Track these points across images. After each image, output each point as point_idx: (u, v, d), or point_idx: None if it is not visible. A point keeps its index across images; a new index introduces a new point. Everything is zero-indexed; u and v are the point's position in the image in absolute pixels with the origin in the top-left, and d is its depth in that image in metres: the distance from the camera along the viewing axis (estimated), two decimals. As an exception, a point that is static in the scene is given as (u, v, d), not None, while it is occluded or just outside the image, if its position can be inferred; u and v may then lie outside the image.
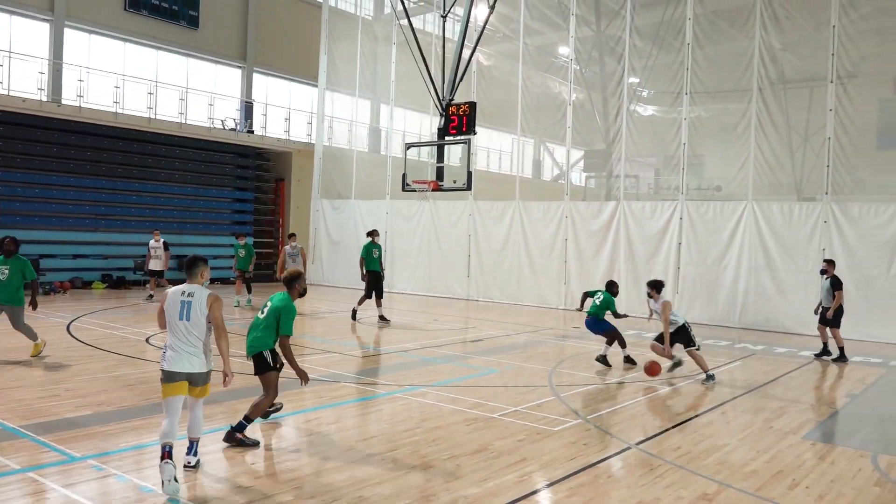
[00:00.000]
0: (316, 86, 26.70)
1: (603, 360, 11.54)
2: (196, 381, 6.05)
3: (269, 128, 26.65)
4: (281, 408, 7.97)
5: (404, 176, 15.89)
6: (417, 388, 9.50)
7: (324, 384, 9.50)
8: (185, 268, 6.19)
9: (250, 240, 18.84)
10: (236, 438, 6.73)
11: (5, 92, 19.89)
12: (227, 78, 26.37)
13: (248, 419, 6.82)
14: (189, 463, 6.09)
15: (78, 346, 11.77)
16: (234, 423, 6.91)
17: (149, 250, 18.82)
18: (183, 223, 24.40)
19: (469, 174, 15.04)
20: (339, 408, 8.42)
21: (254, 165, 26.81)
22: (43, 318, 14.78)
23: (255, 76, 27.08)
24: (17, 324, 10.43)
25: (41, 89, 20.72)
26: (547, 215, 20.59)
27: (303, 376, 7.05)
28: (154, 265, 18.79)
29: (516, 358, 12.15)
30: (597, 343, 14.40)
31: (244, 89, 26.63)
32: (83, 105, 21.22)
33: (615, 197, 19.64)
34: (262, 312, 7.11)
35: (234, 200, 26.45)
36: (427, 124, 23.59)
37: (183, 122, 23.53)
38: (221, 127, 24.98)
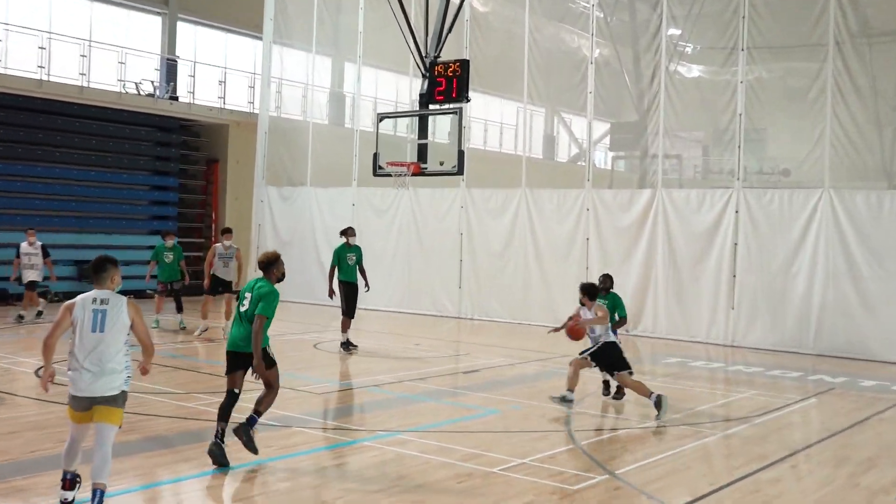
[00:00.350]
0: (260, 38, 26.61)
1: (609, 389, 11.76)
2: (105, 404, 6.38)
3: (199, 93, 26.53)
4: (228, 467, 7.83)
5: (376, 156, 15.81)
6: (394, 435, 9.45)
7: (270, 429, 9.42)
8: (92, 271, 6.56)
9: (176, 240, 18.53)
10: (248, 433, 7.97)
11: None
12: (143, 27, 26.23)
13: (259, 413, 8.16)
14: None
15: (-56, 380, 11.62)
16: (245, 419, 8.04)
17: (19, 255, 18.25)
18: (84, 218, 24.24)
19: (460, 154, 14.96)
20: (290, 461, 8.35)
21: (178, 142, 26.69)
22: None
23: (181, 25, 26.96)
24: None
25: None
26: (563, 207, 20.60)
27: (261, 371, 8.06)
28: (30, 276, 18.19)
29: (523, 394, 12.11)
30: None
31: (165, 43, 26.50)
32: (-48, 63, 21.06)
33: (651, 183, 19.67)
34: (244, 305, 8.17)
35: (152, 188, 26.31)
36: (405, 89, 23.52)
37: (84, 84, 23.38)
38: (136, 92, 24.82)
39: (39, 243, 18.42)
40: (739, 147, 18.42)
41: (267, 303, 7.99)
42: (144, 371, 6.73)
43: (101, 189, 24.71)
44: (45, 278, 18.62)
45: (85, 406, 6.37)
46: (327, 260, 24.01)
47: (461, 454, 8.64)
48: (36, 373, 12.16)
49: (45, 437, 8.65)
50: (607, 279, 12.10)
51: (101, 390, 6.33)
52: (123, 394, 6.44)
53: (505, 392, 12.24)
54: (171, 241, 17.80)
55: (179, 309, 17.85)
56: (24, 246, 18.25)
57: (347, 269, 15.78)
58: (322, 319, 19.38)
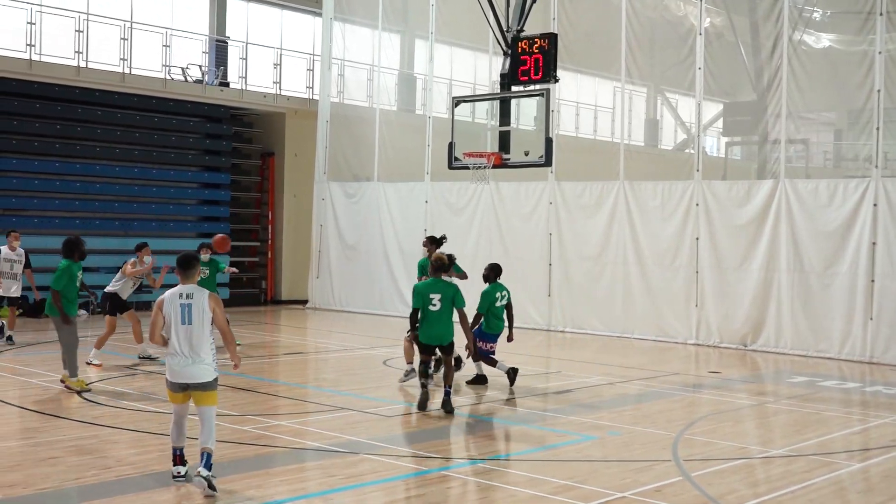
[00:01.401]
0: (319, 14, 26.98)
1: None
2: (200, 389, 8.19)
3: (252, 78, 27.03)
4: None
5: (451, 146, 15.90)
6: (476, 463, 9.50)
7: (335, 456, 9.57)
8: (180, 267, 8.31)
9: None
10: (450, 405, 11.73)
11: None
12: (189, 6, 26.82)
13: (450, 386, 11.90)
14: (200, 474, 7.99)
15: (-21, 400, 12.08)
16: (444, 396, 11.73)
17: None
18: (127, 220, 24.88)
19: (548, 142, 14.98)
20: (357, 492, 8.48)
21: (229, 134, 27.23)
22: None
23: (231, 2, 27.50)
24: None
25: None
26: (668, 202, 20.42)
27: (474, 355, 13.27)
28: (8, 287, 17.69)
29: (624, 418, 12.07)
30: (746, 395, 14.23)
31: (214, 23, 27.05)
32: (-16, 50, 21.84)
33: (772, 173, 19.36)
34: (434, 305, 11.64)
35: (201, 186, 26.88)
36: (484, 69, 23.59)
37: (126, 71, 24.02)
38: (182, 78, 25.41)
39: (21, 249, 17.96)
40: (878, 129, 18.01)
41: (461, 296, 11.80)
42: (236, 366, 8.62)
43: (146, 188, 25.35)
44: (26, 289, 18.48)
45: (180, 388, 8.18)
46: (397, 265, 24.50)
47: (552, 486, 8.64)
48: (80, 394, 12.53)
49: (90, 465, 8.95)
50: (493, 268, 14.25)
51: (194, 377, 8.11)
52: (215, 379, 8.24)
53: (602, 415, 12.18)
54: (206, 256, 17.27)
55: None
56: (4, 251, 17.72)
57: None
58: (392, 333, 19.54)
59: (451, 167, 16.20)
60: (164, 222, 25.57)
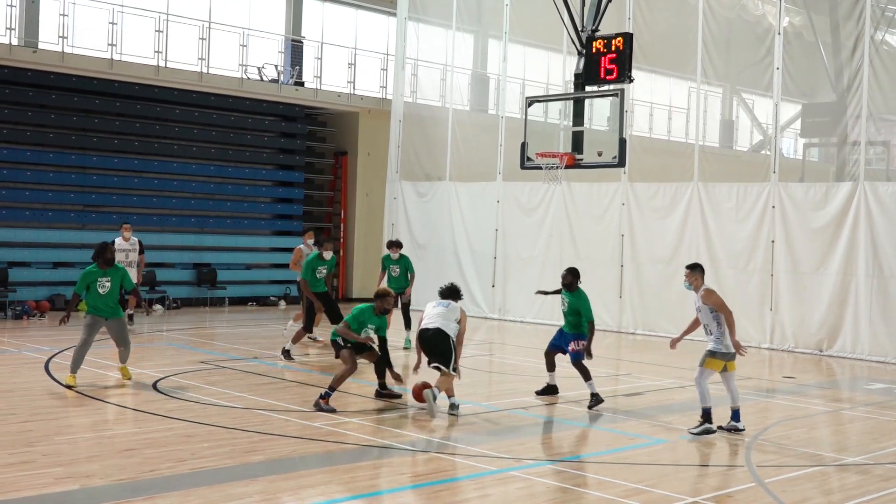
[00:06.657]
0: (394, 14, 27.13)
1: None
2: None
3: (327, 77, 27.27)
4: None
5: (524, 146, 15.88)
6: (544, 464, 9.48)
7: (405, 454, 9.61)
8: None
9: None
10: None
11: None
12: (266, 6, 27.15)
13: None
14: (737, 427, 11.02)
15: (60, 391, 12.35)
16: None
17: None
18: (203, 217, 25.27)
19: (622, 143, 14.91)
20: (427, 490, 8.51)
21: (304, 133, 27.51)
22: (14, 352, 15.62)
23: (307, 3, 27.76)
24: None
25: (10, 29, 21.94)
26: (743, 205, 20.17)
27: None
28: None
29: (695, 422, 11.93)
30: (822, 401, 14.00)
31: (290, 23, 27.34)
32: (67, 50, 22.33)
33: (851, 176, 19.04)
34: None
35: (276, 184, 27.20)
36: (558, 69, 23.52)
37: (204, 70, 24.40)
38: (258, 77, 25.74)
39: (135, 238, 19.37)
40: (962, 131, 17.63)
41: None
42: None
43: (222, 185, 25.75)
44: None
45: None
46: (468, 265, 24.59)
47: (622, 489, 8.60)
48: (154, 386, 12.76)
49: (164, 456, 9.12)
50: (569, 274, 13.15)
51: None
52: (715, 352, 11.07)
53: (674, 418, 12.11)
54: (396, 254, 17.86)
55: (408, 324, 17.85)
56: (118, 242, 18.79)
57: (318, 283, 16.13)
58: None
59: (523, 167, 16.21)
60: (238, 220, 25.94)
